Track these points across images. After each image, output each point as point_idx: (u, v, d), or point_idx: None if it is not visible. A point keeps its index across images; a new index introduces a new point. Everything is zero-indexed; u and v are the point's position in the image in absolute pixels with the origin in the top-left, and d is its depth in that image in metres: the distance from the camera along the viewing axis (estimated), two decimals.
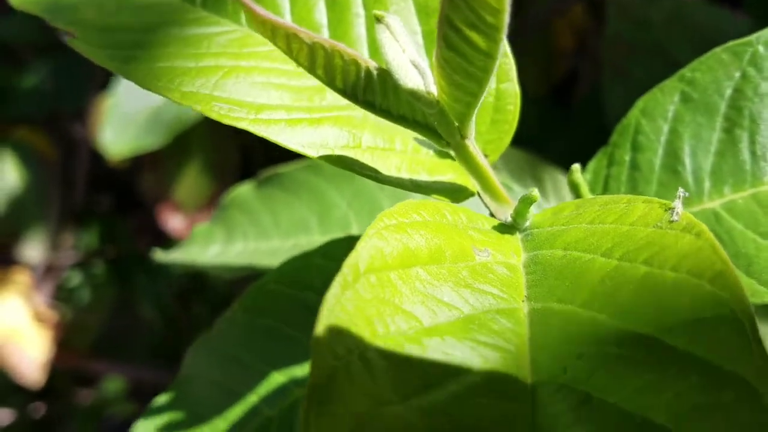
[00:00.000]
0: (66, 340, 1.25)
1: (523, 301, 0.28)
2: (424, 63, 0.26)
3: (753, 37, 0.37)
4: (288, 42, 0.24)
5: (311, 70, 0.26)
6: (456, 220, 0.30)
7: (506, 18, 0.23)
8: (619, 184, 0.39)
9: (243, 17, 0.37)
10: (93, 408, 1.32)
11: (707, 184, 0.37)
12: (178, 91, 0.32)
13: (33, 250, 1.32)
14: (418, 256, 0.27)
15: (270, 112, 0.31)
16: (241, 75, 0.33)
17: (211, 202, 1.11)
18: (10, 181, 1.31)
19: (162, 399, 0.45)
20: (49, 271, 1.33)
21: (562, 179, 0.56)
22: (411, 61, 0.26)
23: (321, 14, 0.36)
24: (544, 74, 1.16)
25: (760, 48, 0.37)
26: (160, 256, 0.59)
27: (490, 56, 0.25)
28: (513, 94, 0.34)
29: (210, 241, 0.58)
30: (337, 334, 0.23)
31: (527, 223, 0.32)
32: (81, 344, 1.27)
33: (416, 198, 0.32)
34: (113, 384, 1.34)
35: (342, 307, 0.23)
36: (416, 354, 0.24)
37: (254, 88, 0.33)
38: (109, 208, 1.46)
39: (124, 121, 0.90)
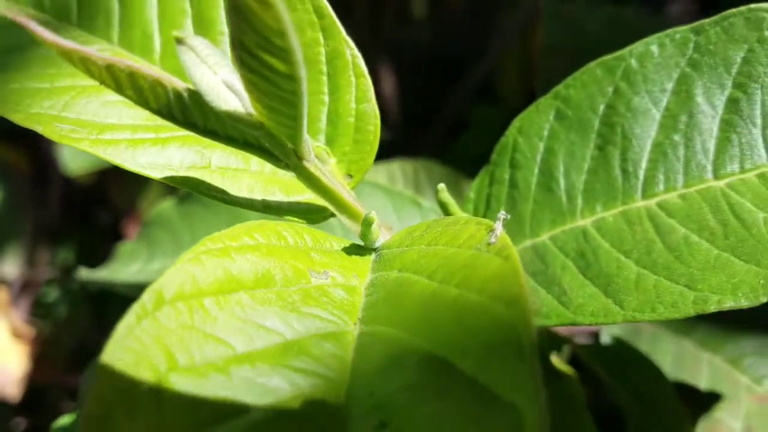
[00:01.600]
0: (43, 355, 1.25)
1: (356, 324, 0.28)
2: (239, 83, 0.26)
3: (626, 50, 0.37)
4: (86, 65, 0.24)
5: (120, 91, 0.26)
6: (297, 241, 0.30)
7: (294, 40, 0.23)
8: (500, 203, 0.39)
9: (115, 35, 0.37)
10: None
11: (580, 202, 0.37)
12: (24, 112, 0.32)
13: (9, 266, 1.33)
14: (242, 281, 0.27)
15: (113, 133, 0.31)
16: (93, 94, 0.33)
17: None
18: None
19: (65, 420, 0.45)
20: (25, 287, 1.33)
21: None
22: (224, 82, 0.26)
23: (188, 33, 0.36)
24: (525, 76, 1.17)
25: (633, 62, 0.37)
26: (84, 274, 0.59)
27: (293, 79, 0.25)
28: (372, 115, 0.34)
29: (133, 259, 0.58)
30: (124, 368, 0.23)
31: (378, 244, 0.32)
32: (58, 358, 1.27)
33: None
34: None
35: (135, 337, 0.23)
36: (218, 384, 0.24)
37: (105, 107, 0.33)
38: (84, 222, 1.46)
39: None
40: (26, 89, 0.33)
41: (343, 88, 0.34)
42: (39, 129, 0.31)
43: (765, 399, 0.49)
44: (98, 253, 1.38)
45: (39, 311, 1.34)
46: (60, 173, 1.32)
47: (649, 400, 0.46)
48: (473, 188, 0.40)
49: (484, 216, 0.40)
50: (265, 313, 0.26)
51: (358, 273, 0.30)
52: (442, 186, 0.36)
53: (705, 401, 0.49)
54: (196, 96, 0.25)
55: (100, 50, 0.36)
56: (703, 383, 0.50)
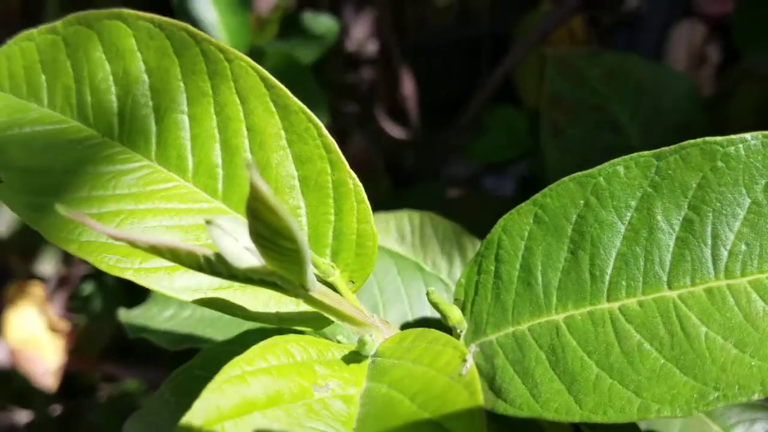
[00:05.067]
0: (79, 347, 1.33)
1: None
2: (254, 247, 0.32)
3: (596, 169, 0.42)
4: (133, 245, 0.30)
5: (161, 256, 0.32)
6: (304, 357, 0.36)
7: (295, 230, 0.29)
8: (486, 291, 0.45)
9: (153, 153, 0.43)
10: (115, 400, 1.41)
11: (554, 299, 0.42)
12: (76, 242, 0.38)
13: (47, 264, 1.41)
14: (256, 403, 0.33)
15: (153, 261, 0.38)
16: (136, 220, 0.39)
17: None
18: None
19: None
20: (62, 283, 1.41)
21: None
22: (245, 247, 0.32)
23: (217, 156, 0.42)
24: (541, 83, 1.20)
25: (602, 180, 0.42)
26: (124, 316, 0.66)
27: (297, 251, 0.31)
28: (371, 234, 0.40)
29: (168, 302, 0.64)
30: None
31: (374, 351, 0.38)
32: (94, 350, 1.35)
33: None
34: (131, 385, 1.42)
35: None
36: None
37: (146, 233, 0.39)
38: None
39: None
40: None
41: (346, 211, 0.40)
42: (90, 259, 0.37)
43: None
44: None
45: (75, 306, 1.42)
46: None
47: None
48: (464, 274, 0.46)
49: (473, 302, 0.45)
50: (274, 430, 0.32)
51: (355, 382, 0.36)
52: (431, 289, 0.42)
53: None
54: (221, 258, 0.31)
55: (140, 167, 0.42)
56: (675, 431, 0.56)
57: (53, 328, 1.31)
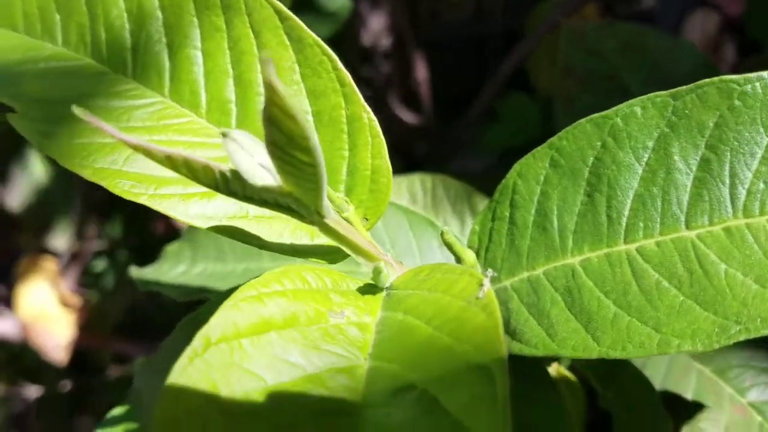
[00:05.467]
0: (90, 323, 1.33)
1: (366, 358, 0.33)
2: (270, 164, 0.32)
3: (613, 110, 0.42)
4: (149, 154, 0.30)
5: (176, 170, 0.31)
6: (319, 284, 0.36)
7: (314, 140, 0.29)
8: (501, 237, 0.44)
9: (167, 89, 0.43)
10: (125, 379, 1.41)
11: (570, 242, 0.42)
12: (90, 167, 0.38)
13: (59, 239, 1.40)
14: (272, 323, 0.32)
15: (167, 187, 0.37)
16: None
17: None
18: (37, 174, 1.39)
19: (117, 411, 0.52)
20: (74, 258, 1.41)
21: None
22: (260, 164, 0.31)
23: (230, 92, 0.42)
24: (553, 70, 1.19)
25: (619, 121, 0.41)
26: (135, 272, 0.65)
27: (313, 165, 0.30)
28: (385, 169, 0.39)
29: (179, 260, 0.64)
30: (178, 398, 0.29)
31: (388, 283, 0.38)
32: (105, 326, 1.35)
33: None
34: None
35: (187, 375, 0.29)
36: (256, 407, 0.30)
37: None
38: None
39: None
40: (92, 144, 0.39)
41: (361, 146, 0.39)
42: (104, 184, 0.37)
43: (746, 410, 0.54)
44: (145, 230, 1.45)
45: (87, 281, 1.42)
46: None
47: (637, 409, 0.51)
48: (477, 222, 0.46)
49: (486, 248, 0.45)
50: (291, 350, 0.32)
51: (370, 311, 0.36)
52: (445, 228, 0.42)
53: (691, 410, 0.54)
54: (237, 175, 0.31)
55: (153, 103, 0.42)
56: (690, 393, 0.55)
57: (65, 303, 1.31)
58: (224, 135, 0.30)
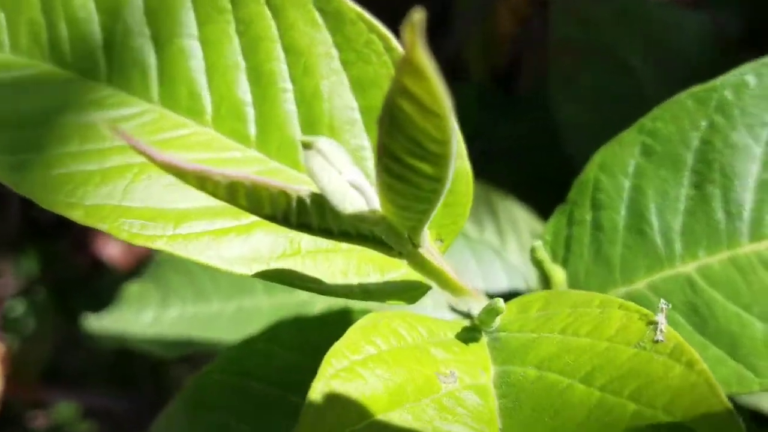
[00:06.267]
0: (15, 372, 1.21)
1: None
2: (363, 180, 0.22)
3: (717, 81, 0.34)
4: (202, 183, 0.20)
5: (232, 202, 0.22)
6: (415, 338, 0.26)
7: (454, 146, 0.20)
8: (582, 247, 0.36)
9: (155, 94, 0.32)
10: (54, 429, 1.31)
11: (678, 246, 0.34)
12: (80, 207, 0.27)
13: None
14: (378, 403, 0.23)
15: (190, 224, 0.27)
16: (154, 174, 0.29)
17: None
18: None
19: None
20: None
21: (516, 211, 0.53)
22: (349, 183, 0.22)
23: (244, 91, 0.32)
24: (486, 59, 1.14)
25: (727, 93, 0.34)
26: (92, 323, 0.54)
27: (438, 180, 0.21)
28: (465, 173, 0.30)
29: (144, 304, 0.53)
30: None
31: (494, 326, 0.29)
32: (31, 374, 1.24)
33: None
34: (66, 409, 1.32)
35: None
36: None
37: (169, 190, 0.28)
38: (46, 227, 1.41)
39: None
40: (74, 174, 0.28)
41: None
42: (104, 228, 0.26)
43: None
44: (62, 262, 1.32)
45: (7, 326, 1.31)
46: None
47: None
48: (549, 230, 0.37)
49: (564, 261, 0.37)
50: None
51: (482, 365, 0.27)
52: (538, 243, 0.33)
53: None
54: (319, 199, 0.22)
55: (140, 113, 0.32)
56: None
57: None
58: (306, 146, 0.21)
